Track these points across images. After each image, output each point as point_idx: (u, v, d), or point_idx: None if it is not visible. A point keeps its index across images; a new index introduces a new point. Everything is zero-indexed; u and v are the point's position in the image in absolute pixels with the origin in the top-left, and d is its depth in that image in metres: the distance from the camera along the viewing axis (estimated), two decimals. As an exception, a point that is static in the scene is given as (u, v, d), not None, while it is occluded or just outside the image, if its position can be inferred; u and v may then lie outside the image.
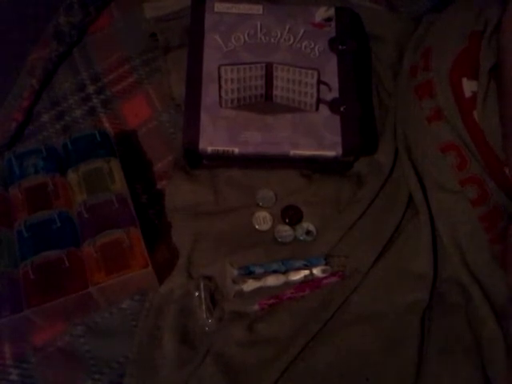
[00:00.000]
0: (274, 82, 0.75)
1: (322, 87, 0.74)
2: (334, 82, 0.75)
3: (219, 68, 0.75)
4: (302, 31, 0.78)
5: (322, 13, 0.79)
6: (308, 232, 0.72)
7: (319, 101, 0.74)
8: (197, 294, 0.67)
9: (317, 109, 0.73)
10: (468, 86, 0.67)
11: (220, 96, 0.73)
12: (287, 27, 0.78)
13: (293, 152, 0.72)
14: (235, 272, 0.68)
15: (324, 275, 0.68)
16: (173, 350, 0.64)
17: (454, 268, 0.68)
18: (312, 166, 0.75)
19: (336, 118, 0.73)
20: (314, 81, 0.75)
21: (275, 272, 0.69)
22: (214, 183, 0.75)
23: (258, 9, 0.79)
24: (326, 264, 0.69)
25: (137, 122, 0.81)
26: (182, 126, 0.72)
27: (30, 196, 0.66)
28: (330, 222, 0.72)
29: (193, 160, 0.74)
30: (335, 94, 0.74)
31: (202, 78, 0.74)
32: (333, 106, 0.73)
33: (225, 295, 0.68)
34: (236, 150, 0.71)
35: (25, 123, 0.80)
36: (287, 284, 0.68)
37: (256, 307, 0.67)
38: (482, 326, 0.64)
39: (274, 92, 0.74)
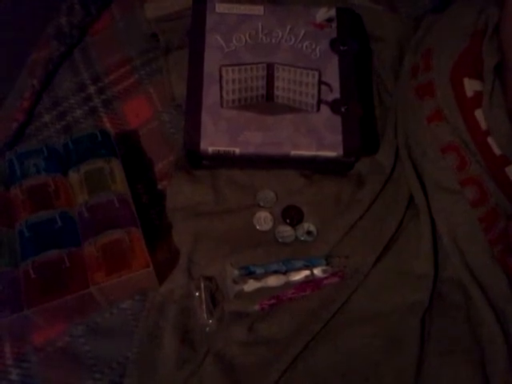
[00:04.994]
0: (275, 82, 0.75)
1: (323, 88, 0.74)
2: (335, 83, 0.75)
3: (220, 68, 0.75)
4: (303, 32, 0.78)
5: (323, 13, 0.79)
6: (309, 232, 0.72)
7: (320, 101, 0.74)
8: (197, 294, 0.67)
9: (318, 109, 0.73)
10: (469, 86, 0.67)
11: (221, 96, 0.73)
12: (288, 28, 0.78)
13: (294, 152, 0.72)
14: (236, 272, 0.68)
15: (325, 275, 0.68)
16: (173, 350, 0.64)
17: (454, 268, 0.68)
18: (313, 167, 0.76)
19: (337, 118, 0.73)
20: (315, 81, 0.75)
21: (276, 272, 0.69)
22: (214, 183, 0.75)
23: (259, 9, 0.79)
24: (327, 264, 0.69)
25: (138, 122, 0.81)
26: (182, 126, 0.72)
27: (31, 196, 0.66)
28: (330, 223, 0.72)
29: (194, 160, 0.74)
30: (336, 94, 0.74)
31: (203, 78, 0.74)
32: (334, 106, 0.73)
33: (225, 295, 0.68)
34: (237, 151, 0.71)
35: (26, 123, 0.80)
36: (288, 284, 0.68)
37: (256, 307, 0.67)
38: (481, 326, 0.64)
39: (275, 92, 0.74)
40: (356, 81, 0.76)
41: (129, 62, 0.85)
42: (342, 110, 0.73)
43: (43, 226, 0.64)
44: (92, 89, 0.84)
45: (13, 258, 0.63)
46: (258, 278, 0.68)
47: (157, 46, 0.85)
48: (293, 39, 0.77)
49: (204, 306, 0.66)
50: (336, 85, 0.75)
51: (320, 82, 0.75)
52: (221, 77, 0.74)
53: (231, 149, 0.71)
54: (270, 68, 0.75)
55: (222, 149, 0.71)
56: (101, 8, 0.89)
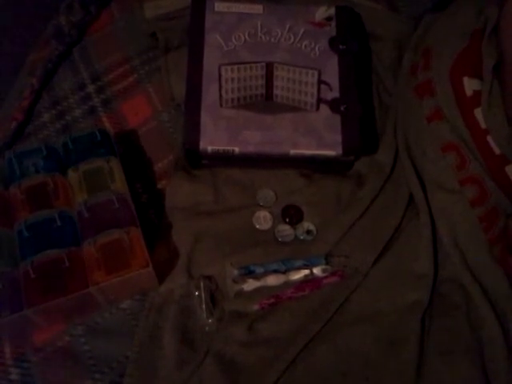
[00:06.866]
0: (275, 81, 0.75)
1: (323, 87, 0.74)
2: (335, 82, 0.75)
3: (220, 67, 0.75)
4: (302, 30, 0.78)
5: (322, 12, 0.79)
6: (308, 231, 0.72)
7: (320, 100, 0.74)
8: (197, 293, 0.67)
9: (317, 108, 0.73)
10: (469, 85, 0.67)
11: (220, 95, 0.73)
12: (287, 26, 0.78)
13: (293, 151, 0.72)
14: (235, 272, 0.68)
15: (324, 275, 0.68)
16: (173, 349, 0.64)
17: (454, 268, 0.68)
18: (312, 166, 0.75)
19: (336, 117, 0.73)
20: (315, 80, 0.75)
21: (275, 271, 0.69)
22: (214, 183, 0.75)
23: (258, 8, 0.79)
24: (327, 264, 0.69)
25: (137, 122, 0.81)
26: (182, 125, 0.72)
27: (30, 195, 0.66)
28: (330, 222, 0.72)
29: (193, 160, 0.74)
30: (336, 93, 0.74)
31: (202, 77, 0.74)
32: (333, 105, 0.73)
33: (225, 295, 0.68)
34: (236, 150, 0.71)
35: (25, 122, 0.80)
36: (287, 284, 0.68)
37: (256, 307, 0.67)
38: (481, 325, 0.64)
39: (275, 91, 0.74)
40: (355, 80, 0.76)
41: (128, 62, 0.85)
42: (342, 109, 0.73)
43: (42, 225, 0.64)
44: (91, 88, 0.83)
45: (12, 258, 0.63)
46: (257, 277, 0.68)
47: (156, 46, 0.84)
48: (292, 38, 0.77)
49: (204, 306, 0.66)
50: (335, 84, 0.74)
51: (319, 81, 0.75)
52: (220, 76, 0.74)
53: (231, 148, 0.71)
54: (269, 67, 0.75)
55: (221, 148, 0.71)
56: (100, 7, 0.89)
